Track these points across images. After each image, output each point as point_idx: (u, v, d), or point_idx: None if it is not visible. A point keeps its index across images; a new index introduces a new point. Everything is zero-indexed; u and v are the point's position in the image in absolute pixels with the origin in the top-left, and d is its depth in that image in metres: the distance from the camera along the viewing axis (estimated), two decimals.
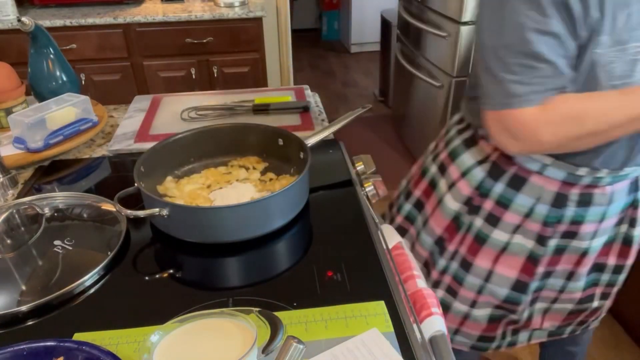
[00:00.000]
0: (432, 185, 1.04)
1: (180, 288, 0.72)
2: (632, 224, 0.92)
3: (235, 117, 1.20)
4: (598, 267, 0.98)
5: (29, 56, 1.19)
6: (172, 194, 0.89)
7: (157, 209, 0.76)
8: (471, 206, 0.94)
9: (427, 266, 1.07)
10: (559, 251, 0.93)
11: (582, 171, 0.83)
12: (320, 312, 0.65)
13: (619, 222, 0.93)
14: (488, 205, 0.92)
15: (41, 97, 1.20)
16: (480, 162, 0.92)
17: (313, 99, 1.33)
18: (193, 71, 2.50)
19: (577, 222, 0.89)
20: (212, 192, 0.89)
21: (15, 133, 1.05)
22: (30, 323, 0.66)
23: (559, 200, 0.87)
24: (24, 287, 0.72)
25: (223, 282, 0.75)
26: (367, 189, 0.94)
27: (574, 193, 0.86)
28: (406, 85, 2.94)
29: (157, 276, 0.74)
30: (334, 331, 0.62)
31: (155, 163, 0.90)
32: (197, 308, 0.66)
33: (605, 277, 1.00)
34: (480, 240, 0.94)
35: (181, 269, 0.76)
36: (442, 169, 1.01)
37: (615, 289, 1.03)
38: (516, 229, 0.91)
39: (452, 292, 1.03)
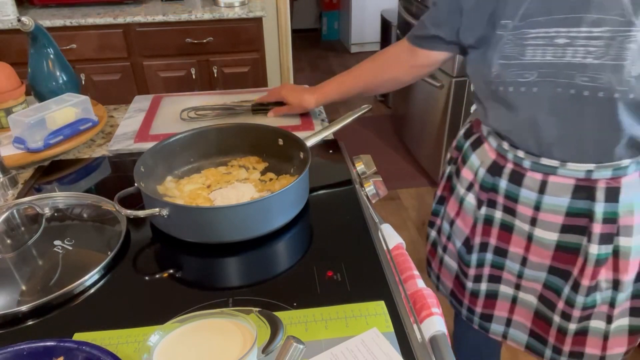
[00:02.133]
0: None
1: (180, 288, 0.72)
2: (589, 238, 0.88)
3: (234, 117, 1.20)
4: (562, 274, 0.94)
5: (29, 56, 1.19)
6: (172, 194, 0.89)
7: (157, 209, 0.76)
8: (452, 160, 1.10)
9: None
10: (507, 228, 0.97)
11: (505, 145, 0.92)
12: (320, 312, 0.65)
13: (577, 231, 0.89)
14: (459, 159, 1.06)
15: (41, 97, 1.20)
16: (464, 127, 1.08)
17: None
18: (193, 71, 2.50)
19: (511, 198, 0.93)
20: (212, 192, 0.89)
21: (15, 133, 1.05)
22: (30, 323, 0.66)
23: (494, 169, 0.95)
24: (24, 287, 0.72)
25: (223, 282, 0.75)
26: (367, 189, 0.94)
27: (508, 167, 0.92)
28: (406, 86, 2.93)
29: (157, 276, 0.74)
30: (334, 331, 0.62)
31: (155, 163, 0.90)
32: (197, 308, 0.66)
33: (581, 295, 0.92)
34: (453, 189, 1.08)
35: (181, 269, 0.76)
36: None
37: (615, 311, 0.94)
38: (469, 187, 1.02)
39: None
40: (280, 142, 0.95)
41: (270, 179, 0.93)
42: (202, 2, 2.51)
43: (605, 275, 0.90)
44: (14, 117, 1.05)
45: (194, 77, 2.51)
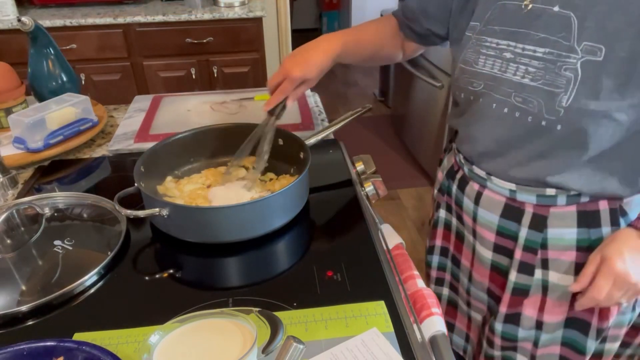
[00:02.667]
0: None
1: (180, 288, 0.72)
2: (511, 263, 0.84)
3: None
4: (497, 300, 0.90)
5: (29, 56, 1.19)
6: (172, 194, 0.89)
7: (157, 209, 0.76)
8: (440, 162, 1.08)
9: None
10: (460, 237, 0.95)
11: (454, 146, 0.92)
12: (320, 312, 0.65)
13: (506, 253, 0.85)
14: None
15: (41, 97, 1.20)
16: None
17: (313, 98, 1.33)
18: (193, 71, 2.49)
19: (458, 204, 0.92)
20: (211, 190, 0.89)
21: (15, 133, 1.05)
22: (30, 323, 0.66)
23: (450, 172, 0.95)
24: (24, 287, 0.72)
25: (223, 282, 0.75)
26: (367, 189, 0.94)
27: (459, 173, 0.91)
28: (406, 85, 2.94)
29: (157, 276, 0.74)
30: (334, 331, 0.62)
31: (155, 163, 0.90)
32: (197, 308, 0.66)
33: (499, 322, 0.88)
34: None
35: (181, 269, 0.76)
36: None
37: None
38: (440, 189, 1.02)
39: None
40: (280, 142, 0.95)
41: (270, 179, 0.93)
42: (202, 2, 2.51)
43: (529, 312, 0.84)
44: (14, 117, 1.05)
45: (194, 77, 2.51)
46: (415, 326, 0.65)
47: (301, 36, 5.15)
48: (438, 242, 1.01)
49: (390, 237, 0.84)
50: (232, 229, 0.77)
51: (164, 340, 0.54)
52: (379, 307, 0.66)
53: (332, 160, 1.04)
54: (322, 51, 0.91)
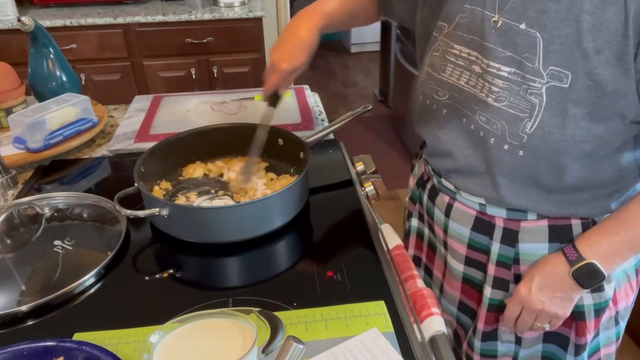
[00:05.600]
0: None
1: (180, 288, 0.72)
2: (485, 278, 0.81)
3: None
4: (470, 313, 0.88)
5: (29, 56, 1.19)
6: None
7: (156, 209, 0.76)
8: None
9: None
10: (432, 247, 0.93)
11: (424, 155, 0.89)
12: (320, 312, 0.65)
13: (478, 267, 0.83)
14: None
15: (41, 97, 1.20)
16: None
17: (313, 98, 1.33)
18: (193, 71, 2.49)
19: (430, 215, 0.89)
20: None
21: (15, 133, 1.05)
22: (30, 323, 0.66)
23: (420, 181, 0.92)
24: (24, 287, 0.72)
25: (223, 282, 0.75)
26: (367, 189, 0.94)
27: (429, 184, 0.88)
28: (406, 85, 2.94)
29: (157, 276, 0.74)
30: (334, 331, 0.62)
31: (155, 163, 0.90)
32: (197, 308, 0.66)
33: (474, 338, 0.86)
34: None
35: (181, 269, 0.76)
36: None
37: None
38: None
39: None
40: (280, 142, 0.95)
41: (271, 179, 0.93)
42: (202, 2, 2.51)
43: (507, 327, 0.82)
44: (14, 117, 1.05)
45: (194, 77, 2.51)
46: (415, 326, 0.65)
47: None
48: (411, 251, 0.98)
49: (390, 237, 0.84)
50: (232, 229, 0.77)
51: (164, 340, 0.54)
52: (379, 307, 0.66)
53: (332, 160, 1.04)
54: (306, 33, 0.88)
